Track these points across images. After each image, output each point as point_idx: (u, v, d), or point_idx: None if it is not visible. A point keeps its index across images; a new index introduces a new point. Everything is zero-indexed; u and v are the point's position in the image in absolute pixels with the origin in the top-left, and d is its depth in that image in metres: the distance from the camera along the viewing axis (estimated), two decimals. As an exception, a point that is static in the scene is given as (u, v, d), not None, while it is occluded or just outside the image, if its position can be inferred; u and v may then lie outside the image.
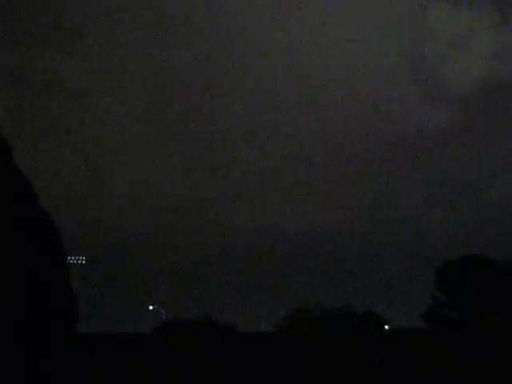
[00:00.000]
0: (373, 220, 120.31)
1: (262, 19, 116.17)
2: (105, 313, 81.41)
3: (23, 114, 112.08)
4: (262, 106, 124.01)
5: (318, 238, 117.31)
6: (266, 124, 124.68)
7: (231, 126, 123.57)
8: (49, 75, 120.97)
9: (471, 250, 46.12)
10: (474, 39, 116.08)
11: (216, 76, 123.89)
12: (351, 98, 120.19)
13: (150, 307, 65.96)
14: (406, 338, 43.32)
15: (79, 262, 76.31)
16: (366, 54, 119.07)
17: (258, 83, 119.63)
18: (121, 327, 67.64)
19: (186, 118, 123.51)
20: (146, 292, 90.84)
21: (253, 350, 41.59)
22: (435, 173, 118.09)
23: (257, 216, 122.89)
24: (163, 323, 45.88)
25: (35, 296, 32.39)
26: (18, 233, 30.68)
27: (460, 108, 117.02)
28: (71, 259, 74.45)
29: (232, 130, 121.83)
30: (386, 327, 47.20)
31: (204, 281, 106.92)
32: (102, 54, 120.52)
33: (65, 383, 34.28)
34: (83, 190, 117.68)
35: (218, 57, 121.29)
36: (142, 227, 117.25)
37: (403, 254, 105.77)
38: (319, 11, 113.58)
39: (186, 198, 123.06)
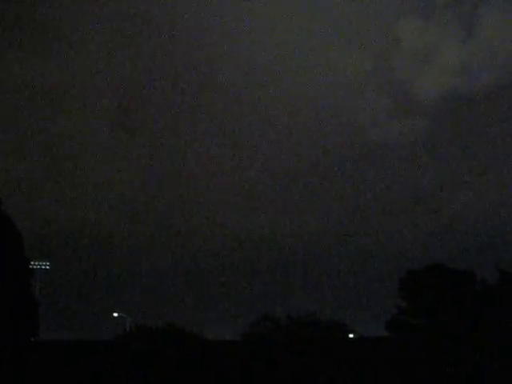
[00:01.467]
0: (340, 230, 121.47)
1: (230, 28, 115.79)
2: (69, 319, 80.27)
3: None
4: (236, 114, 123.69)
5: (284, 247, 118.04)
6: (238, 133, 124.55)
7: (210, 131, 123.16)
8: (14, 75, 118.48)
9: (434, 260, 46.88)
10: (442, 53, 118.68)
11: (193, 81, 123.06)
12: (320, 109, 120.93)
13: (115, 314, 64.99)
14: (370, 346, 43.68)
15: (43, 267, 75.04)
16: (336, 65, 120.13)
17: (228, 92, 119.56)
18: (84, 334, 66.77)
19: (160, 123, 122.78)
20: (111, 298, 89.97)
21: (218, 358, 41.42)
22: (401, 184, 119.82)
23: (222, 225, 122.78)
24: (126, 330, 45.30)
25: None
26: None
27: (427, 119, 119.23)
28: (35, 264, 73.12)
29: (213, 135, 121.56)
30: (351, 335, 47.47)
31: (171, 288, 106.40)
32: (73, 55, 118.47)
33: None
34: (49, 194, 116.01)
35: (195, 64, 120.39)
36: (108, 233, 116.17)
37: (368, 263, 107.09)
38: (288, 23, 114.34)
39: (152, 204, 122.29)
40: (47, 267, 75.47)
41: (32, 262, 75.06)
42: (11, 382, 34.67)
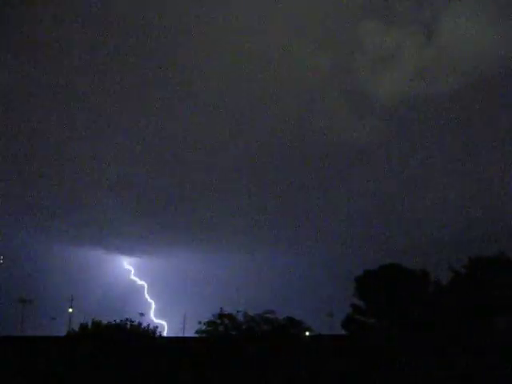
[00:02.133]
0: (297, 230, 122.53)
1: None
2: (23, 314, 78.65)
3: None
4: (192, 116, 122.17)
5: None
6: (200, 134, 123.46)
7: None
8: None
9: (389, 260, 47.68)
10: (401, 55, 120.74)
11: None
12: (277, 109, 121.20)
13: (70, 310, 64.09)
14: (326, 344, 44.13)
15: (-4, 261, 73.61)
16: (295, 65, 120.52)
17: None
18: (38, 329, 65.60)
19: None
20: (67, 294, 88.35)
21: (175, 355, 41.22)
22: (358, 184, 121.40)
23: (185, 215, 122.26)
24: (81, 326, 44.69)
25: None
26: None
27: (385, 121, 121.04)
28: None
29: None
30: (307, 333, 47.84)
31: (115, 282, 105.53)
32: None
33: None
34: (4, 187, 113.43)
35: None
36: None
37: (325, 263, 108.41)
38: (249, 20, 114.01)
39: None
40: (0, 261, 74.03)
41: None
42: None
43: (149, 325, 47.07)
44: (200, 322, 45.28)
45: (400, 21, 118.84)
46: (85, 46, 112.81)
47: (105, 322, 44.46)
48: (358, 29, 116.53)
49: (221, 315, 45.73)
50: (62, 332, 49.49)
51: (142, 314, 60.30)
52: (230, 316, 45.81)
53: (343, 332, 47.53)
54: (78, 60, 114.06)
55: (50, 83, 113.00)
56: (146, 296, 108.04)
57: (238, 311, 45.79)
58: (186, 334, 59.84)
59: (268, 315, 45.61)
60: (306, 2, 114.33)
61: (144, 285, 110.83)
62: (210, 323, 45.34)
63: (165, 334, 67.82)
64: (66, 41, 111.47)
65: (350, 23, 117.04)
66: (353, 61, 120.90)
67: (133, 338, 41.79)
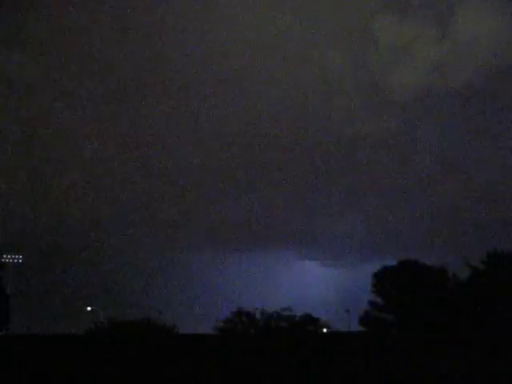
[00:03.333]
0: (313, 223, 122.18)
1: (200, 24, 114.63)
2: (42, 312, 79.33)
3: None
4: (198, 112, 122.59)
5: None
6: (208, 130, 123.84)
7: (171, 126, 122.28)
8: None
9: (407, 256, 47.38)
10: (416, 50, 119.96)
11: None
12: (292, 102, 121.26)
13: (88, 308, 64.58)
14: (344, 341, 44.03)
15: (16, 260, 74.22)
16: (310, 59, 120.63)
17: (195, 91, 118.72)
18: (58, 328, 66.13)
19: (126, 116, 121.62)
20: (85, 292, 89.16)
21: (191, 352, 41.37)
22: (373, 179, 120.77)
23: (197, 212, 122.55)
24: (100, 324, 45.01)
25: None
26: None
27: (399, 116, 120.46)
28: (7, 257, 72.46)
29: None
30: (325, 330, 47.75)
31: (145, 281, 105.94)
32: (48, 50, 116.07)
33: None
34: (22, 187, 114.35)
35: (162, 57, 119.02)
36: (82, 227, 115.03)
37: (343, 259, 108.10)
38: (264, 19, 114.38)
39: (126, 198, 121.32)
40: (20, 260, 74.64)
41: (4, 255, 74.44)
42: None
43: (164, 323, 47.13)
44: (218, 320, 45.44)
45: (415, 14, 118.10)
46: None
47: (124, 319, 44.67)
48: (373, 23, 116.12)
49: (238, 312, 45.82)
50: (81, 330, 49.74)
51: (160, 313, 60.37)
52: (246, 313, 45.87)
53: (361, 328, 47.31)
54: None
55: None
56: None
57: (256, 309, 45.89)
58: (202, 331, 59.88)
59: (285, 312, 45.61)
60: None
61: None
62: (228, 321, 45.44)
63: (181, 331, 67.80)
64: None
65: (364, 17, 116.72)
66: (368, 55, 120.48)
67: (152, 335, 42.00)
